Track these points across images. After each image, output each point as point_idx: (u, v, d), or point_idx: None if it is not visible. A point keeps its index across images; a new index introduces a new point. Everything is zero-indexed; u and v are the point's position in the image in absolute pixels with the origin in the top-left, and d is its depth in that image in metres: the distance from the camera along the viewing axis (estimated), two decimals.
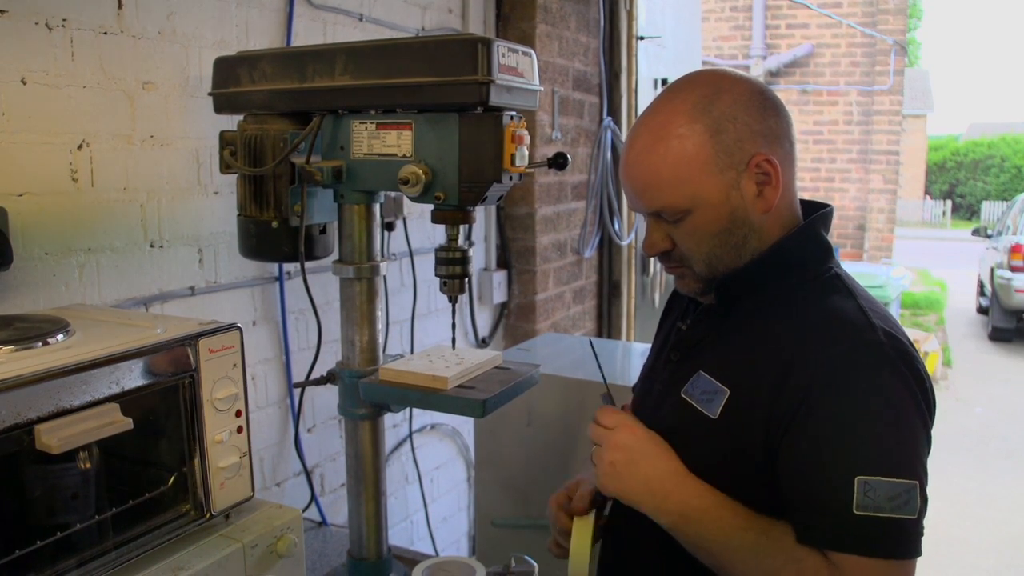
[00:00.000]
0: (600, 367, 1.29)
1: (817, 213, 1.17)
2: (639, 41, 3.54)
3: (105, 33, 1.53)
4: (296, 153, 1.38)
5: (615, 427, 1.14)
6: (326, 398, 2.13)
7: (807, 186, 10.08)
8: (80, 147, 1.50)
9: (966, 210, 23.40)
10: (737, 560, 1.04)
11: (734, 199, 1.08)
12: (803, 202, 1.19)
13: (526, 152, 1.31)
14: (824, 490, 0.99)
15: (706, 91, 1.09)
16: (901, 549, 0.96)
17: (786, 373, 1.03)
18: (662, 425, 1.20)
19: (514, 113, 1.31)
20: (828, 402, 1.00)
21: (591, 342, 1.30)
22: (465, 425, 2.79)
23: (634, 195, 1.14)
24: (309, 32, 2.02)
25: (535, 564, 1.42)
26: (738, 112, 1.08)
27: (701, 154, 1.07)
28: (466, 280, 1.42)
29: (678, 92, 1.12)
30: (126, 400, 1.07)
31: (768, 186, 1.09)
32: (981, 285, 10.69)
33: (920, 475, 0.98)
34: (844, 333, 1.04)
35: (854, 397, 1.00)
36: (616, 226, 3.42)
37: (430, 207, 1.36)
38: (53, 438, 0.96)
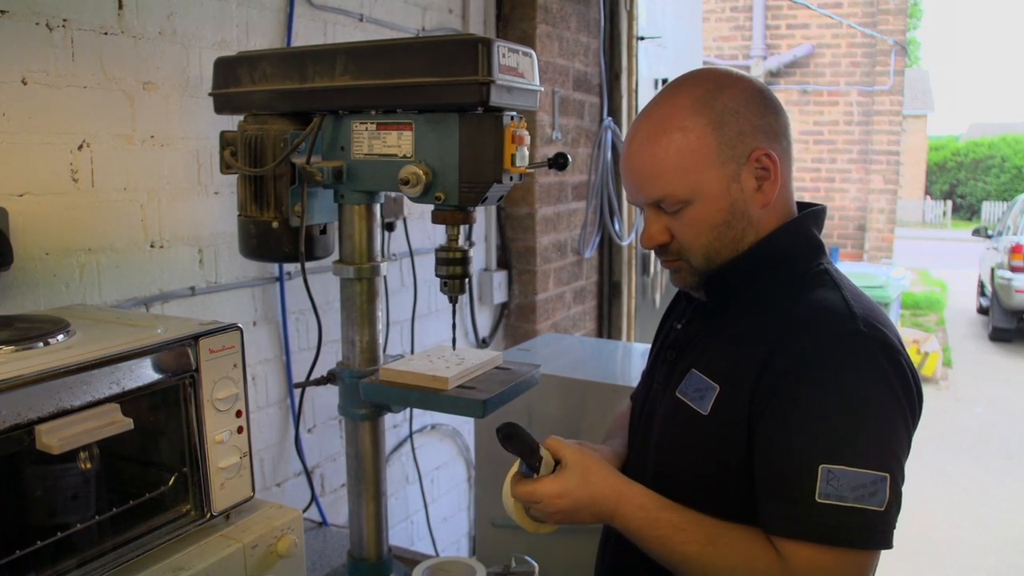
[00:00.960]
0: (524, 443, 1.16)
1: (808, 210, 1.18)
2: (639, 41, 3.54)
3: (105, 33, 1.53)
4: (296, 153, 1.38)
5: (539, 501, 1.14)
6: (326, 398, 2.13)
7: (807, 186, 10.08)
8: (80, 147, 1.50)
9: (966, 210, 23.40)
10: (688, 571, 1.06)
11: (734, 192, 1.10)
12: (801, 204, 1.20)
13: (526, 152, 1.31)
14: (788, 477, 1.00)
15: (709, 86, 1.10)
16: (859, 540, 0.96)
17: (766, 362, 1.04)
18: (658, 425, 1.20)
19: (514, 113, 1.31)
20: (800, 388, 1.01)
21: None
22: (465, 425, 2.79)
23: (635, 186, 1.15)
24: (309, 32, 2.02)
25: (535, 564, 1.42)
26: (740, 107, 1.09)
27: (703, 146, 1.08)
28: (466, 280, 1.42)
29: (680, 87, 1.13)
30: (126, 400, 1.07)
31: (767, 181, 1.10)
32: (981, 285, 10.69)
33: (892, 468, 0.98)
34: (824, 322, 1.05)
35: (826, 385, 1.00)
36: (616, 226, 3.42)
37: (430, 207, 1.36)
38: (53, 438, 0.96)
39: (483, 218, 2.86)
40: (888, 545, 0.98)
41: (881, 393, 1.00)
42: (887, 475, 0.97)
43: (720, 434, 1.08)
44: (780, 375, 1.02)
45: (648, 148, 1.11)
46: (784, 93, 9.78)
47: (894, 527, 0.98)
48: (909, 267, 10.85)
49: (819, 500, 0.96)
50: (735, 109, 1.09)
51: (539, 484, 1.15)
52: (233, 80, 1.46)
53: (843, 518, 0.96)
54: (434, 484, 2.68)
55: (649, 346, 1.42)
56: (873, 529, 0.96)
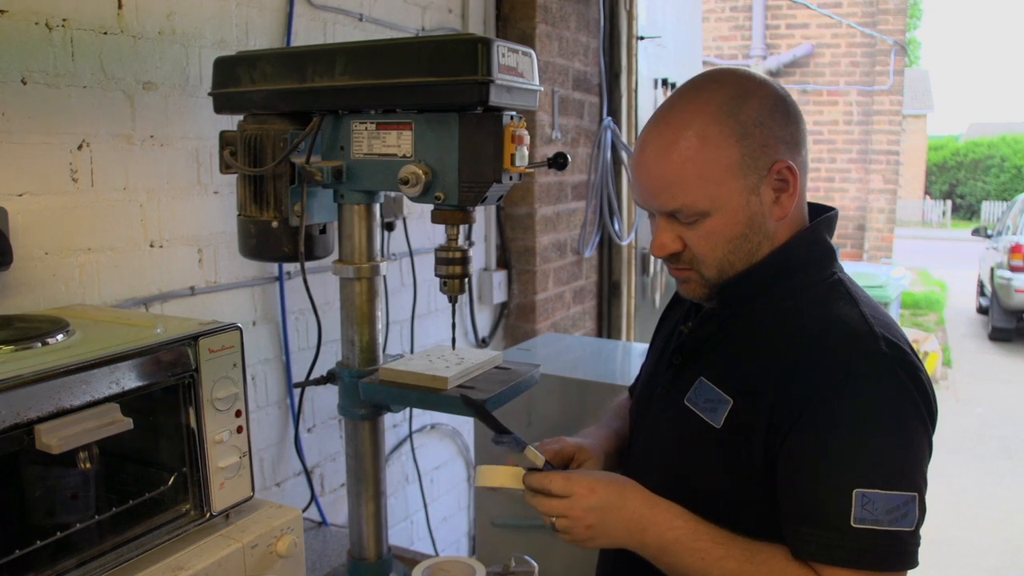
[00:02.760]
0: (503, 436, 1.14)
1: (821, 217, 1.16)
2: (639, 41, 3.54)
3: (105, 33, 1.53)
4: (296, 153, 1.38)
5: (570, 494, 1.08)
6: (326, 398, 2.13)
7: (807, 186, 10.06)
8: (80, 147, 1.50)
9: (966, 210, 23.41)
10: None
11: (753, 204, 1.07)
12: (810, 205, 1.18)
13: (526, 152, 1.31)
14: (821, 502, 0.99)
15: (732, 91, 1.06)
16: (894, 562, 0.97)
17: (787, 382, 1.02)
18: (664, 432, 1.19)
19: (514, 113, 1.31)
20: (828, 412, 0.99)
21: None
22: (465, 425, 2.79)
23: (650, 193, 1.10)
24: (309, 32, 2.02)
25: (535, 564, 1.42)
26: (764, 117, 1.05)
27: (727, 156, 1.04)
28: (466, 280, 1.42)
29: (702, 91, 1.09)
30: (126, 400, 1.07)
31: (785, 193, 1.08)
32: (981, 285, 10.70)
33: (920, 486, 0.98)
34: (846, 343, 1.03)
35: (854, 408, 0.99)
36: (616, 226, 3.42)
37: (430, 207, 1.36)
38: (53, 438, 0.96)
39: (483, 218, 2.86)
40: (916, 564, 0.98)
41: (908, 415, 1.00)
42: (916, 495, 0.97)
43: (733, 447, 1.06)
44: (805, 397, 1.01)
45: (667, 155, 1.06)
46: None
47: (919, 545, 0.99)
48: (909, 267, 10.85)
49: (855, 525, 0.96)
50: (759, 119, 1.05)
51: (571, 474, 1.09)
52: (233, 80, 1.46)
53: (879, 541, 0.96)
54: (434, 484, 2.68)
55: (648, 346, 1.42)
56: (906, 551, 0.97)
